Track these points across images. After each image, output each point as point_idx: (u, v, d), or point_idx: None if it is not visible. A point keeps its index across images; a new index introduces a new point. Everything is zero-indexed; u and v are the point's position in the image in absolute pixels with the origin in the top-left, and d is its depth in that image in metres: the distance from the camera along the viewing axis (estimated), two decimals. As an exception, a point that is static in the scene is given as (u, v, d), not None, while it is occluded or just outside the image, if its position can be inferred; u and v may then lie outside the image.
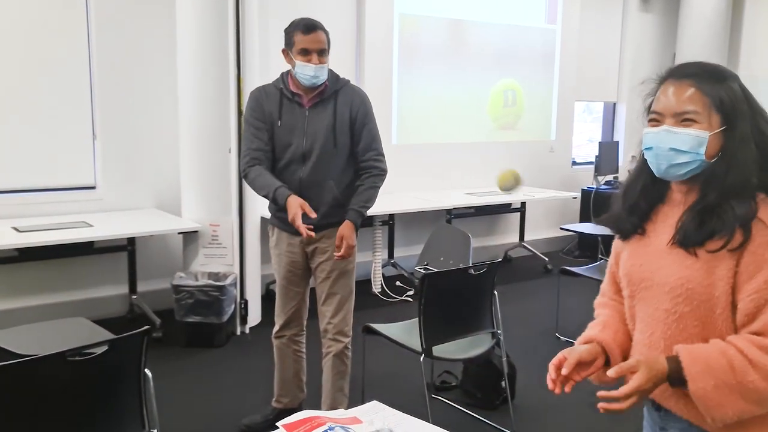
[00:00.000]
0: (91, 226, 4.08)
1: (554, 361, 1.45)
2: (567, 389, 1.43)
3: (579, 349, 1.48)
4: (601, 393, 1.34)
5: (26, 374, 1.82)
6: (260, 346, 4.11)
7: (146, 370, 2.09)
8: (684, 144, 1.36)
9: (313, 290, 3.02)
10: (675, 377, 1.32)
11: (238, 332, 4.36)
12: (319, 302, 2.97)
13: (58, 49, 4.35)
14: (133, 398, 2.06)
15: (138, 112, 4.60)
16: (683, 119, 1.37)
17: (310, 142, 2.79)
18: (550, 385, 1.44)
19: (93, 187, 4.57)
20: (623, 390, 1.31)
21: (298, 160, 2.81)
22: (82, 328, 2.42)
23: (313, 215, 2.66)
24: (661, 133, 1.38)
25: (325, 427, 1.59)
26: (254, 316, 4.47)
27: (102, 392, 1.98)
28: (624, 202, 1.51)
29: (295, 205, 2.65)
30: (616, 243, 1.60)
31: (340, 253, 2.76)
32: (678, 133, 1.37)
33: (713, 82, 1.37)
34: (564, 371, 1.41)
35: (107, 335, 2.14)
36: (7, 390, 1.77)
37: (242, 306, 4.36)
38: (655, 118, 1.41)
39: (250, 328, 4.41)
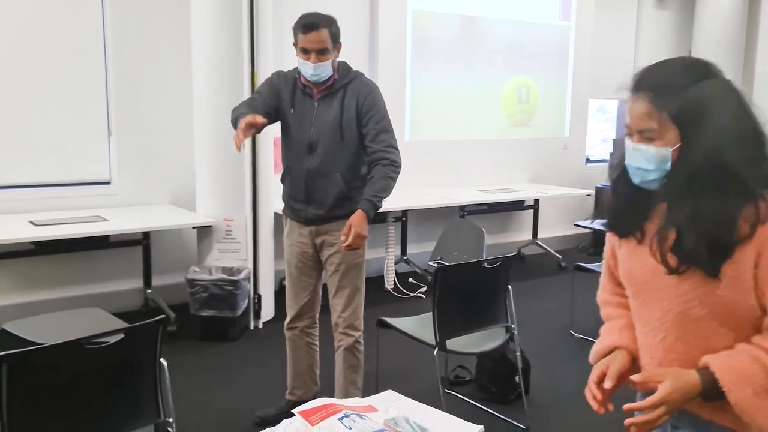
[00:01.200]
0: (106, 220, 4.11)
1: (594, 377, 1.39)
2: (610, 407, 1.37)
3: (615, 361, 1.42)
4: (626, 406, 1.31)
5: (44, 362, 1.84)
6: (274, 340, 4.11)
7: (162, 360, 2.11)
8: (649, 162, 1.33)
9: (325, 283, 3.03)
10: (710, 390, 1.27)
11: (252, 327, 4.38)
12: (330, 296, 2.97)
13: (74, 46, 4.38)
14: (148, 387, 2.07)
15: (153, 109, 4.63)
16: (644, 137, 1.33)
17: (317, 134, 2.81)
18: (594, 405, 1.38)
19: (108, 183, 4.60)
20: (649, 400, 1.26)
21: (306, 151, 2.83)
22: (98, 318, 2.44)
23: (262, 120, 2.55)
24: (630, 151, 1.36)
25: (340, 415, 1.58)
26: (267, 311, 4.48)
27: (118, 380, 1.99)
28: (618, 202, 1.44)
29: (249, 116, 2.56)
30: (611, 236, 1.54)
31: (347, 242, 2.65)
32: (642, 150, 1.34)
33: (671, 93, 1.30)
34: (607, 384, 1.36)
35: (123, 325, 2.15)
36: (25, 377, 1.78)
37: (256, 301, 4.38)
38: (627, 132, 1.38)
39: (264, 323, 4.43)
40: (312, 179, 2.83)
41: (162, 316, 2.05)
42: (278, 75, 2.93)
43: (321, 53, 2.72)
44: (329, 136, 2.80)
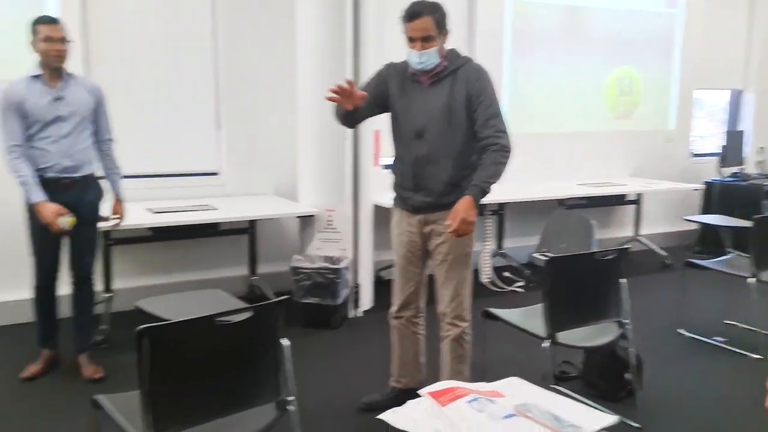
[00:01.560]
0: (216, 209, 4.29)
1: None
2: None
3: None
4: None
5: (179, 336, 1.93)
6: (373, 329, 4.17)
7: (284, 340, 2.17)
8: None
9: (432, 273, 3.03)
10: None
11: (351, 316, 4.45)
12: (437, 285, 2.97)
13: (187, 46, 4.59)
14: (270, 366, 2.14)
15: (259, 104, 4.79)
16: None
17: (425, 121, 2.81)
18: None
19: (216, 174, 4.80)
20: None
21: (414, 137, 2.84)
22: (220, 299, 2.55)
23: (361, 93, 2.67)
24: None
25: (469, 398, 1.58)
26: (366, 301, 4.54)
27: (244, 357, 2.07)
28: None
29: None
30: None
31: (452, 228, 2.65)
32: None
33: None
34: None
35: (243, 306, 2.23)
36: (162, 350, 1.88)
37: (355, 290, 4.44)
38: None
39: (363, 312, 4.49)
40: (420, 166, 2.84)
41: (286, 296, 2.11)
42: (388, 66, 2.96)
43: (426, 41, 2.73)
44: (438, 122, 2.80)
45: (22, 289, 3.55)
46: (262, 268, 4.74)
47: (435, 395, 1.62)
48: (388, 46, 4.27)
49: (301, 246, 4.53)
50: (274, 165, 4.86)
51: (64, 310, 3.50)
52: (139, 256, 4.45)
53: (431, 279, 3.03)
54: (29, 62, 3.23)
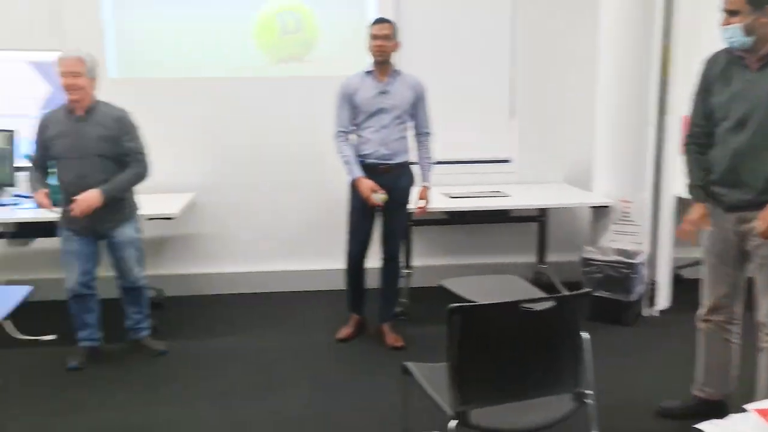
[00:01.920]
0: (507, 196, 4.39)
1: None
2: None
3: None
4: None
5: (485, 316, 2.03)
6: (671, 330, 3.91)
7: (584, 333, 2.15)
8: None
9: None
10: None
11: (645, 314, 4.20)
12: (756, 291, 2.65)
13: (485, 37, 4.73)
14: (570, 357, 2.14)
15: (552, 91, 4.75)
16: None
17: (750, 109, 2.51)
18: None
19: (508, 161, 4.89)
20: None
21: (735, 127, 2.56)
22: (518, 285, 2.62)
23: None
24: None
25: (810, 422, 1.40)
26: (663, 300, 4.24)
27: (545, 344, 2.10)
28: None
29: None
30: None
31: (759, 230, 2.46)
32: None
33: None
34: None
35: (543, 294, 2.26)
36: (469, 327, 2.00)
37: (651, 287, 4.18)
38: None
39: (660, 312, 4.21)
40: (739, 159, 2.56)
41: (588, 289, 2.09)
42: (707, 61, 2.72)
43: (731, 15, 2.47)
44: (763, 111, 2.49)
45: (338, 260, 4.04)
46: (550, 257, 4.72)
47: (764, 413, 1.46)
48: (705, 27, 3.88)
49: (593, 237, 4.39)
50: (566, 153, 4.80)
51: (371, 281, 3.92)
52: (434, 237, 4.76)
53: (751, 283, 2.72)
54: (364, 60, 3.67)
